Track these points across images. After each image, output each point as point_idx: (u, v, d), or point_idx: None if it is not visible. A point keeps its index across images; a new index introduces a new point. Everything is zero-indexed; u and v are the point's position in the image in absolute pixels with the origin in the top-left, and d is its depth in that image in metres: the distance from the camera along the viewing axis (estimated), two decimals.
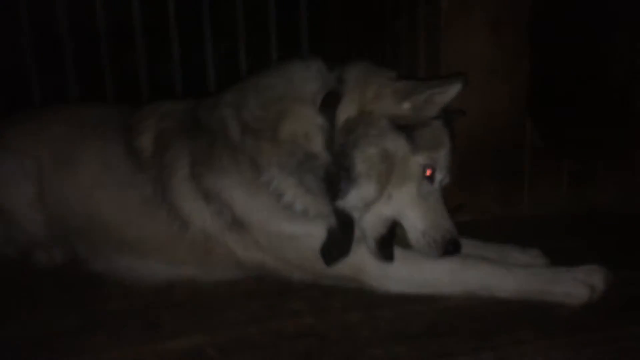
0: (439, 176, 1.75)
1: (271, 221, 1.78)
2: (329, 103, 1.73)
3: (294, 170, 1.72)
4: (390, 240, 1.74)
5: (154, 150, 1.93)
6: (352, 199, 1.68)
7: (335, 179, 1.68)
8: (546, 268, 1.77)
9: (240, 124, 1.80)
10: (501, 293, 1.71)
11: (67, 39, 3.40)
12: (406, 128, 1.69)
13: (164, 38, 3.61)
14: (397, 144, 1.68)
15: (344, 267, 1.77)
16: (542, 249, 1.96)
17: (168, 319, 1.68)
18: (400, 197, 1.71)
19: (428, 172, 1.71)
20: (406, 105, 1.70)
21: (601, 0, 2.34)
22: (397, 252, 1.75)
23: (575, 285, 1.67)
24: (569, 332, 1.55)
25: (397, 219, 1.73)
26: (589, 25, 2.36)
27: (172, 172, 1.86)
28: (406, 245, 1.77)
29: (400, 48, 2.72)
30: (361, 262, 1.76)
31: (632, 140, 2.44)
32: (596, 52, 2.38)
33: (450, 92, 1.68)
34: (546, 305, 1.66)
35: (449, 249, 1.71)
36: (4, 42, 3.44)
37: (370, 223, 1.73)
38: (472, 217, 2.49)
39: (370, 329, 1.59)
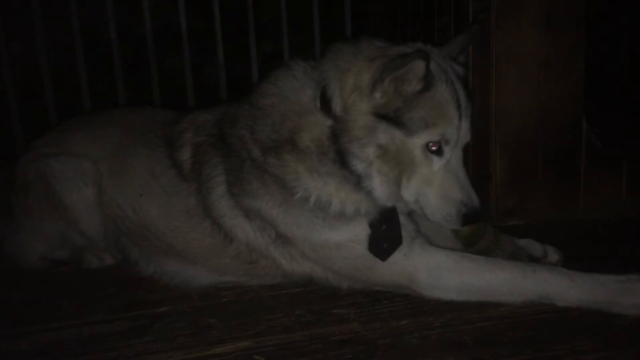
0: (447, 148, 1.66)
1: (314, 233, 1.76)
2: (325, 103, 1.70)
3: (333, 171, 1.70)
4: None
5: (193, 165, 1.95)
6: (380, 198, 1.72)
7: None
8: (613, 276, 1.64)
9: (258, 146, 1.79)
10: (563, 303, 1.63)
11: (116, 42, 3.47)
12: (392, 115, 1.62)
13: (209, 39, 3.65)
14: (389, 135, 1.64)
15: (396, 276, 1.75)
16: (598, 255, 1.89)
17: (215, 324, 1.68)
18: (414, 179, 1.68)
19: (434, 148, 1.65)
20: (378, 95, 1.63)
21: None
22: (451, 261, 1.71)
23: None
24: (631, 342, 1.47)
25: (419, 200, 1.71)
26: None
27: (210, 189, 1.89)
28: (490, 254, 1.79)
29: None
30: (413, 270, 1.73)
31: None
32: None
33: (413, 72, 1.57)
34: (606, 313, 1.58)
35: (467, 219, 1.68)
36: (57, 46, 3.55)
37: (428, 208, 1.70)
38: (524, 221, 2.40)
39: (419, 336, 1.55)
